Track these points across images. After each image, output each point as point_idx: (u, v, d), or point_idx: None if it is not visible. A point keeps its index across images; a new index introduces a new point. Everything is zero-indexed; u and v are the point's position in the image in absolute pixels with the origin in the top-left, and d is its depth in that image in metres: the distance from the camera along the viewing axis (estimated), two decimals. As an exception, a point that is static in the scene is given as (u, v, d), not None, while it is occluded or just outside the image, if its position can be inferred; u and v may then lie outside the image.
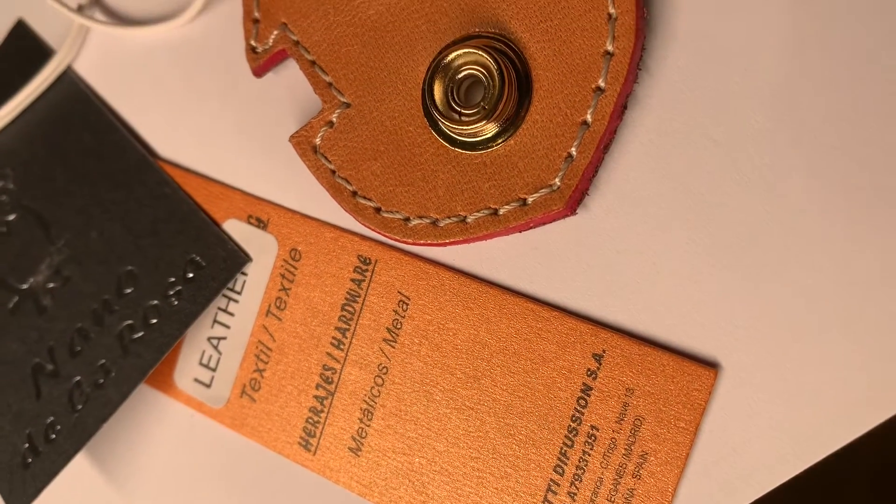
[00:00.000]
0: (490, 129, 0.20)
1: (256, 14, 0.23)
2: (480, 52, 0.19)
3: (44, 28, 0.28)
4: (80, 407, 0.24)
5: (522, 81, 0.20)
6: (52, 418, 0.24)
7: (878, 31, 0.17)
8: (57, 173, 0.26)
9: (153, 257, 0.24)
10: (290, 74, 0.23)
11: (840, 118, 0.17)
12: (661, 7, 0.19)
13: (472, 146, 0.20)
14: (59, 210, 0.26)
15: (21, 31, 0.28)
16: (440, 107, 0.20)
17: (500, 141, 0.20)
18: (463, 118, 0.20)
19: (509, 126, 0.20)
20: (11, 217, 0.27)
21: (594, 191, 0.20)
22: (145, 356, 0.23)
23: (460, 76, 0.20)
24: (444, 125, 0.20)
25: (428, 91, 0.20)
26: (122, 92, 0.26)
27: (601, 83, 0.19)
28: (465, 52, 0.20)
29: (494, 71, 0.19)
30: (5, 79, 0.28)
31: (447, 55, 0.20)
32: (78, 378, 0.24)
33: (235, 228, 0.24)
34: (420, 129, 0.21)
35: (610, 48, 0.19)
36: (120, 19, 0.26)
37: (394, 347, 0.21)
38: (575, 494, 0.19)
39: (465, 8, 0.20)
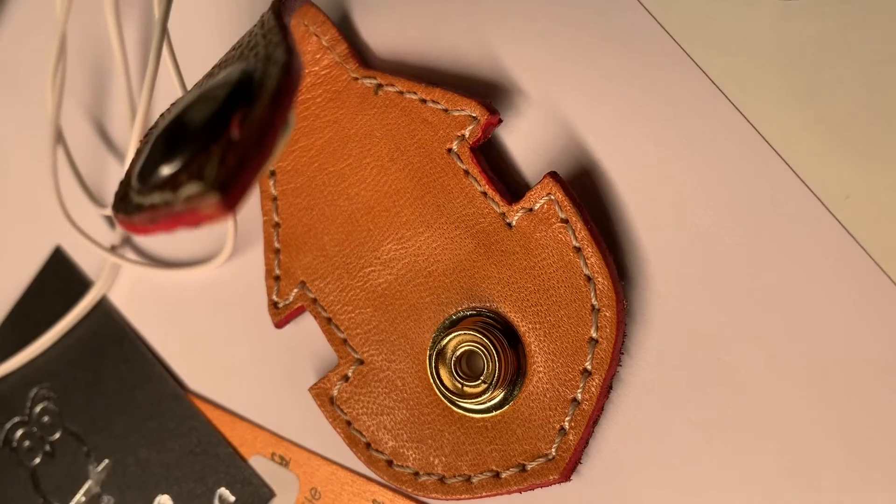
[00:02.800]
0: (490, 399, 0.22)
1: (277, 272, 0.25)
2: (476, 334, 0.21)
3: (80, 255, 0.30)
4: None
5: (518, 357, 0.22)
6: None
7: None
8: (95, 399, 0.29)
9: (186, 488, 0.26)
10: (312, 325, 0.25)
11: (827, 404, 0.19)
12: (639, 295, 0.21)
13: (475, 411, 0.22)
14: (98, 434, 0.28)
15: (58, 258, 0.31)
16: (447, 384, 0.22)
17: (500, 409, 0.22)
18: (465, 388, 0.22)
19: (508, 396, 0.22)
20: (55, 436, 0.29)
21: (586, 458, 0.21)
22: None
23: (460, 352, 0.22)
24: (450, 398, 0.22)
25: (434, 373, 0.22)
26: (154, 325, 0.28)
27: (588, 366, 0.21)
28: (462, 334, 0.22)
29: (492, 350, 0.21)
30: (43, 304, 0.30)
31: (446, 339, 0.22)
32: None
33: (260, 464, 0.26)
34: (427, 391, 0.23)
35: (595, 335, 0.21)
36: (152, 259, 0.29)
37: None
38: None
39: (463, 286, 0.23)
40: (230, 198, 0.12)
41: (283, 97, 0.13)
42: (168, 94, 0.25)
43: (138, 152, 0.16)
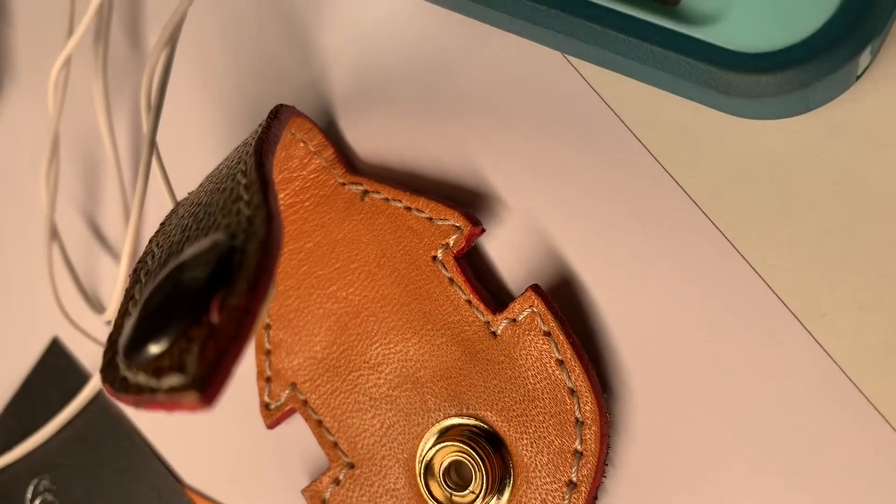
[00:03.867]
0: (480, 506, 0.22)
1: (268, 373, 0.26)
2: (463, 445, 0.22)
3: (77, 346, 0.31)
4: None
5: (505, 464, 0.22)
6: None
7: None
8: (95, 490, 0.29)
9: (183, 586, 0.27)
10: (305, 425, 0.26)
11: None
12: (622, 408, 0.22)
13: (464, 517, 0.23)
14: (96, 528, 0.29)
15: (56, 349, 0.31)
16: (437, 496, 0.22)
17: (488, 517, 0.22)
18: (455, 498, 0.22)
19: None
20: (53, 529, 0.30)
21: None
22: None
23: (448, 462, 0.22)
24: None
25: (424, 485, 0.22)
26: (152, 419, 0.29)
27: (573, 478, 0.21)
28: (449, 446, 0.22)
29: (478, 460, 0.22)
30: (42, 395, 0.31)
31: (433, 451, 0.22)
32: None
33: (256, 562, 0.26)
34: (418, 498, 0.23)
35: (579, 448, 0.21)
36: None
37: None
38: None
39: (450, 393, 0.23)
40: (209, 393, 0.12)
41: (262, 281, 0.13)
42: (159, 198, 0.25)
43: (125, 311, 0.17)
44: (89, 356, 0.30)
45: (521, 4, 0.20)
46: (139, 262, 0.19)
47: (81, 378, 0.30)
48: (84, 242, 0.30)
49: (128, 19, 0.29)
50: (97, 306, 0.29)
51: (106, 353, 0.16)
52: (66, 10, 0.28)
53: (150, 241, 0.20)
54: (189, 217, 0.19)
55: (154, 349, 0.14)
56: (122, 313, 0.17)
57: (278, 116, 0.22)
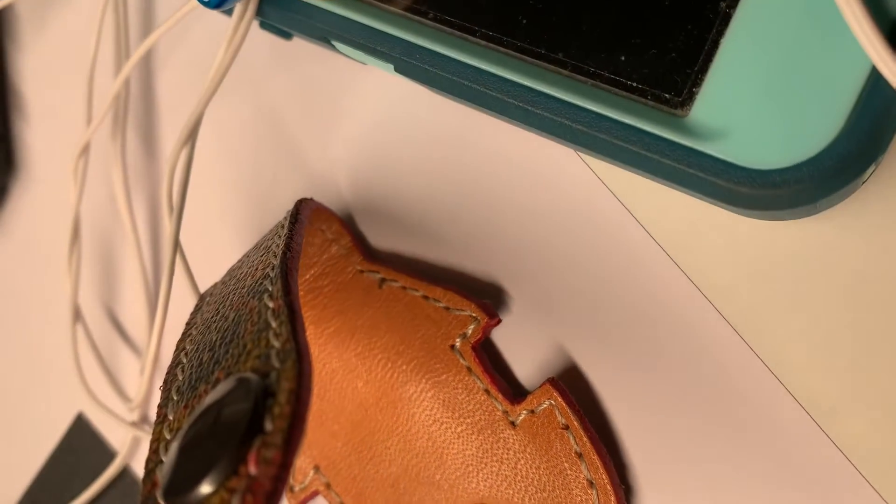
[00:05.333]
0: None
1: (291, 457, 0.26)
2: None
3: (102, 422, 0.31)
4: None
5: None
6: None
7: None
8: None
9: None
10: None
11: None
12: (640, 501, 0.22)
13: None
14: None
15: (81, 425, 0.32)
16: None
17: None
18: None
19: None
20: None
21: None
22: None
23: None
24: None
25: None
26: (176, 496, 0.29)
27: (595, 567, 0.22)
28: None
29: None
30: (68, 470, 0.32)
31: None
32: None
33: None
34: (441, 582, 0.24)
35: (599, 539, 0.22)
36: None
37: None
38: None
39: (470, 480, 0.23)
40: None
41: (295, 432, 0.14)
42: (181, 289, 0.26)
43: (159, 433, 0.17)
44: (114, 433, 0.31)
45: (532, 114, 0.20)
46: (169, 374, 0.20)
47: (107, 454, 0.31)
48: (106, 323, 0.31)
49: (144, 110, 0.30)
50: (120, 389, 0.30)
51: (145, 483, 0.17)
52: (82, 103, 0.29)
53: (178, 349, 0.21)
54: (216, 332, 0.20)
55: (194, 496, 0.14)
56: (157, 437, 0.18)
57: (299, 218, 0.22)
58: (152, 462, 0.17)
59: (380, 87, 0.26)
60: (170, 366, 0.21)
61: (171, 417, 0.18)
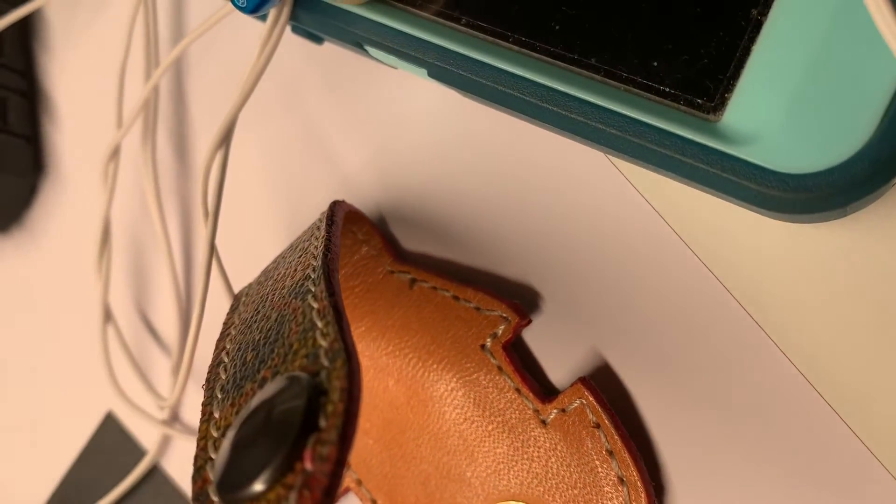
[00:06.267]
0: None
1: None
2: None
3: (131, 420, 0.32)
4: None
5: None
6: None
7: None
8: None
9: None
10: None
11: None
12: (671, 500, 0.23)
13: None
14: None
15: (111, 423, 0.32)
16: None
17: None
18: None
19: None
20: None
21: None
22: None
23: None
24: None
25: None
26: (206, 494, 0.30)
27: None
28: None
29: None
30: (98, 468, 0.32)
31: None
32: None
33: None
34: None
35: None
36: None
37: None
38: None
39: (501, 478, 0.24)
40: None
41: (349, 429, 0.14)
42: (214, 291, 0.27)
43: (205, 432, 0.18)
44: (143, 431, 0.31)
45: (565, 119, 0.21)
46: (211, 373, 0.20)
47: (137, 451, 0.31)
48: (137, 323, 0.31)
49: (175, 115, 0.30)
50: (152, 387, 0.30)
51: (195, 480, 0.17)
52: (112, 107, 0.29)
53: (219, 348, 0.22)
54: (258, 331, 0.20)
55: (250, 491, 0.15)
56: (204, 434, 0.18)
57: (335, 220, 0.23)
58: (201, 459, 0.18)
59: (411, 90, 0.26)
60: (211, 365, 0.21)
61: (216, 415, 0.19)
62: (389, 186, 0.27)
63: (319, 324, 0.17)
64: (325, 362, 0.16)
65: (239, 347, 0.20)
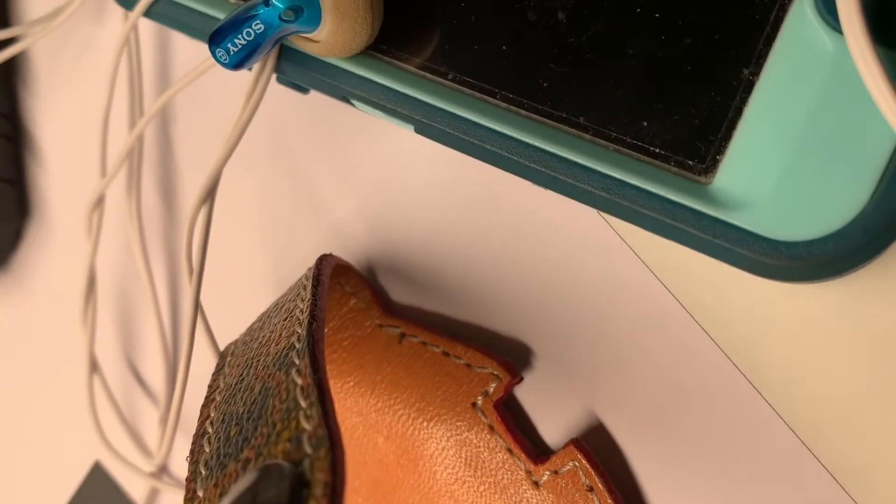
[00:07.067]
0: None
1: (312, 511, 0.26)
2: None
3: (119, 472, 0.31)
4: None
5: None
6: None
7: None
8: None
9: None
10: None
11: None
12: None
13: None
14: None
15: (98, 474, 0.32)
16: None
17: None
18: None
19: None
20: None
21: None
22: None
23: None
24: None
25: None
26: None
27: None
28: None
29: None
30: (88, 519, 0.32)
31: None
32: None
33: None
34: None
35: None
36: (189, 484, 0.30)
37: None
38: None
39: (495, 540, 0.23)
40: None
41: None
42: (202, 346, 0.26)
43: None
44: (131, 482, 0.31)
45: (555, 179, 0.20)
46: (195, 444, 0.20)
47: (124, 503, 0.31)
48: (123, 373, 0.31)
49: (160, 164, 0.30)
50: (139, 439, 0.30)
51: None
52: (97, 152, 0.29)
53: (203, 416, 0.21)
54: (242, 403, 0.20)
55: None
56: None
57: (321, 280, 0.22)
58: None
59: (400, 139, 0.26)
60: (195, 434, 0.21)
61: (200, 495, 0.18)
62: (378, 236, 0.26)
63: (303, 403, 0.17)
64: (309, 449, 0.16)
65: (223, 419, 0.20)
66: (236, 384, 0.21)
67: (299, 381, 0.18)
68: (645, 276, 0.22)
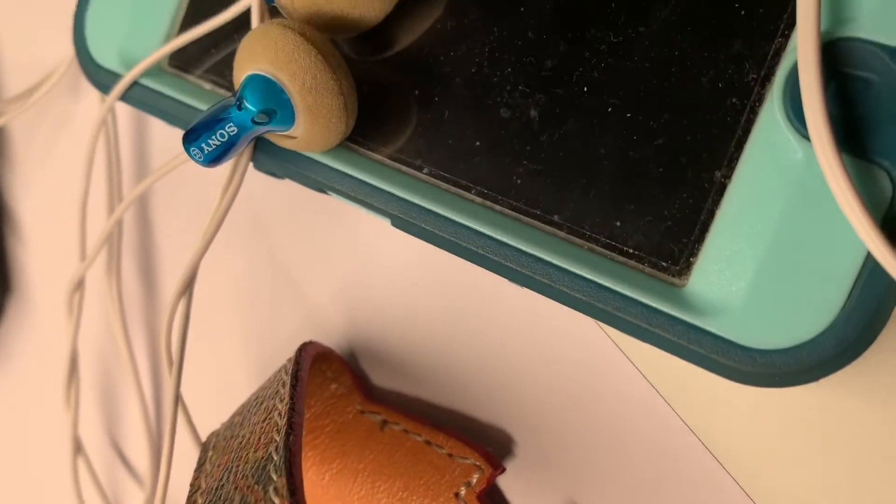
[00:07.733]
0: None
1: None
2: None
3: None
4: None
5: None
6: None
7: None
8: None
9: None
10: None
11: None
12: None
13: None
14: None
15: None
16: None
17: None
18: None
19: None
20: None
21: None
22: None
23: None
24: None
25: None
26: None
27: None
28: None
29: None
30: None
31: None
32: None
33: None
34: None
35: None
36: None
37: None
38: None
39: None
40: None
41: None
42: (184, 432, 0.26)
43: None
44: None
45: (530, 279, 0.20)
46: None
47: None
48: (108, 455, 0.30)
49: (140, 248, 0.30)
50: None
51: None
52: (76, 233, 0.29)
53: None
54: (228, 500, 0.20)
55: None
56: None
57: (300, 376, 0.22)
58: None
59: (377, 226, 0.26)
60: None
61: None
62: (359, 321, 0.26)
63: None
64: None
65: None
66: (217, 489, 0.21)
67: (277, 500, 0.18)
68: (625, 368, 0.22)
